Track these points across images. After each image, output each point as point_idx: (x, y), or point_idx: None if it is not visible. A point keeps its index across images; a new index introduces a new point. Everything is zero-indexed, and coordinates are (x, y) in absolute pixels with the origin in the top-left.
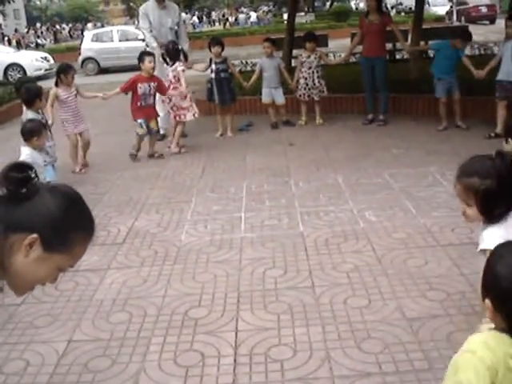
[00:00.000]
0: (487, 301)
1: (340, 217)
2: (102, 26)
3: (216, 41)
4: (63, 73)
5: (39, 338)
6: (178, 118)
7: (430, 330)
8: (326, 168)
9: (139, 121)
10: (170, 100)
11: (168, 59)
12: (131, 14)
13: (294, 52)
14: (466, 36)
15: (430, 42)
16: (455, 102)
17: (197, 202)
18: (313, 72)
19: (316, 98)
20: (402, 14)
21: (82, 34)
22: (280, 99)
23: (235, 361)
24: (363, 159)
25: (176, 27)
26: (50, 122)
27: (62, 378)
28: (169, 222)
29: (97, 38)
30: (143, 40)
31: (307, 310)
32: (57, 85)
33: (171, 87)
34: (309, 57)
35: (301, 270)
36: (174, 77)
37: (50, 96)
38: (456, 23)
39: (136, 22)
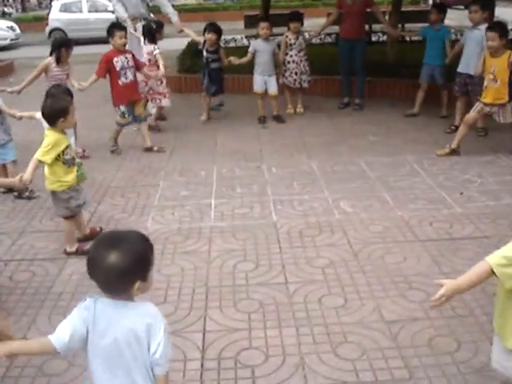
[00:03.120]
0: None
1: (314, 206)
2: None
3: (212, 27)
4: (66, 46)
5: None
6: (154, 102)
7: (410, 335)
8: (300, 153)
9: (122, 108)
10: (146, 83)
11: (144, 39)
12: None
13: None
14: (441, 7)
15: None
16: (440, 89)
17: (164, 186)
18: (302, 56)
19: (305, 85)
20: None
21: (51, 3)
22: (273, 89)
23: (202, 366)
24: (338, 145)
25: None
26: (16, 88)
27: (13, 383)
28: (134, 208)
29: (65, 9)
30: (113, 12)
31: (280, 309)
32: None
33: (146, 69)
34: (297, 38)
35: (273, 264)
36: (149, 60)
37: (39, 65)
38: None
39: None
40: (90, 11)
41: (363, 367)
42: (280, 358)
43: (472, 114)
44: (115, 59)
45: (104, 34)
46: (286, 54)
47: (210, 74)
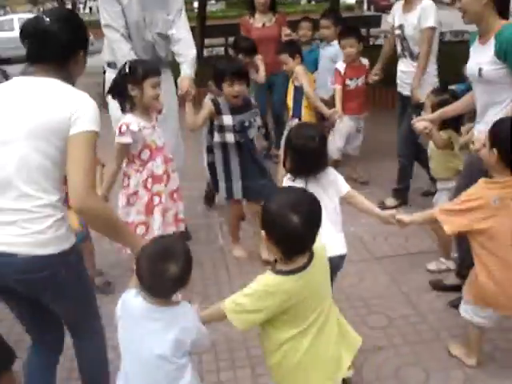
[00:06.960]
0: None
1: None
2: (5, 15)
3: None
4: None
5: None
6: None
7: (375, 366)
8: None
9: None
10: None
11: None
12: (35, 1)
13: (206, 42)
14: (312, 20)
15: None
16: None
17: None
18: None
19: None
20: (313, 2)
21: None
22: None
23: None
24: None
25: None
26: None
27: None
28: None
29: None
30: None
31: (233, 347)
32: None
33: None
34: None
35: (223, 294)
36: None
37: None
38: (366, 12)
39: (41, 10)
40: None
41: None
42: None
43: None
44: None
45: None
46: None
47: (243, 152)
